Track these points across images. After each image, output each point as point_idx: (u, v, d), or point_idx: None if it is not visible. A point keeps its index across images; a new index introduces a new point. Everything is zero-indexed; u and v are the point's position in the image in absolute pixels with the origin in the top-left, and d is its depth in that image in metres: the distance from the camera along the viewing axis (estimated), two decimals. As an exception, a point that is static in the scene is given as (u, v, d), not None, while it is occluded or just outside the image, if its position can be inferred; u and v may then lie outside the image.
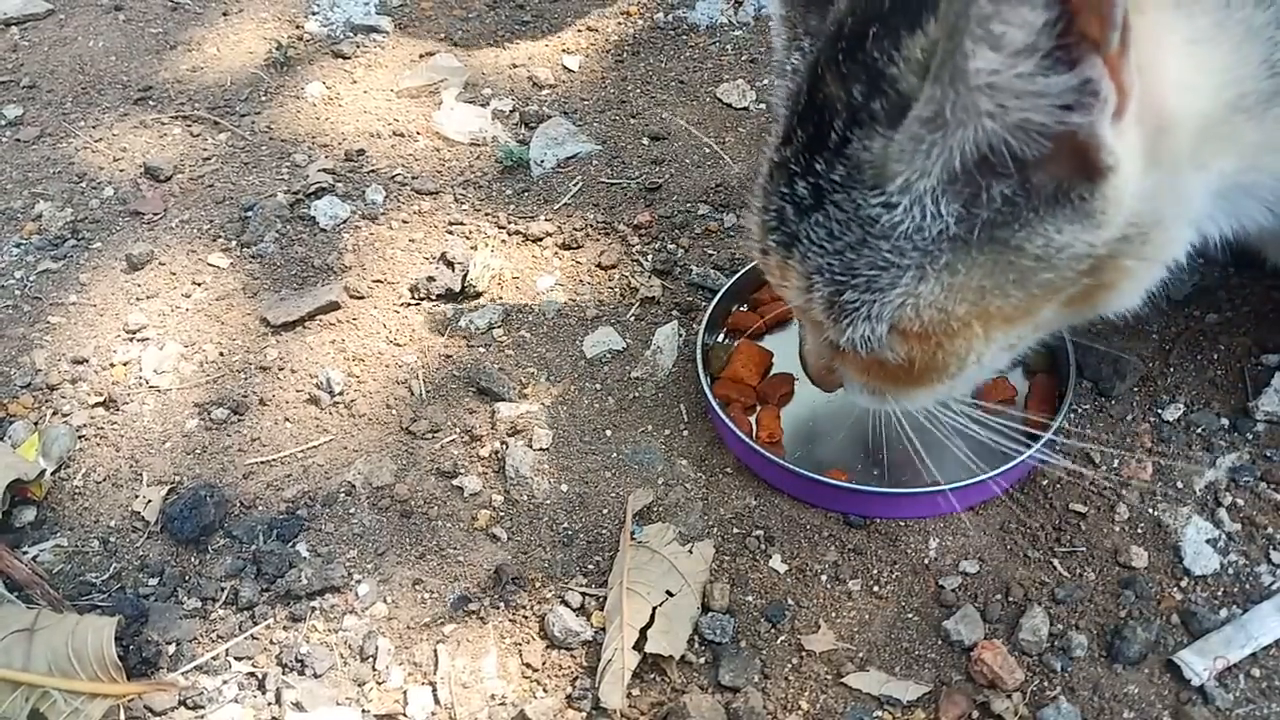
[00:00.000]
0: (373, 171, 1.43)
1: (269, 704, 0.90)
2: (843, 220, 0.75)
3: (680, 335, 1.19)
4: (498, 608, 0.96)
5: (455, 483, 1.06)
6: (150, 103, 1.56)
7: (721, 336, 1.17)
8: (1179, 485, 0.99)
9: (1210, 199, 0.80)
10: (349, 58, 1.64)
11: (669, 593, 0.94)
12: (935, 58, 0.65)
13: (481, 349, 1.20)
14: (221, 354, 1.20)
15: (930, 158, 0.69)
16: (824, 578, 0.96)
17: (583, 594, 0.96)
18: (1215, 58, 0.73)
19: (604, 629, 0.93)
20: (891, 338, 0.79)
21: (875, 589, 0.95)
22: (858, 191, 0.74)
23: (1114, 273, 0.76)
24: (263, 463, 1.09)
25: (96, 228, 1.37)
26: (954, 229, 0.72)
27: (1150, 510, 0.98)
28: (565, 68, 1.62)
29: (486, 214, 1.36)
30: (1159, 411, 1.05)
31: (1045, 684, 0.87)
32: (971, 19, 0.60)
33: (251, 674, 0.92)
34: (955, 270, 0.74)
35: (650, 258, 1.29)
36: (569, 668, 0.91)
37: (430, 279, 1.25)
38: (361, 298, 1.25)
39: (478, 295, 1.25)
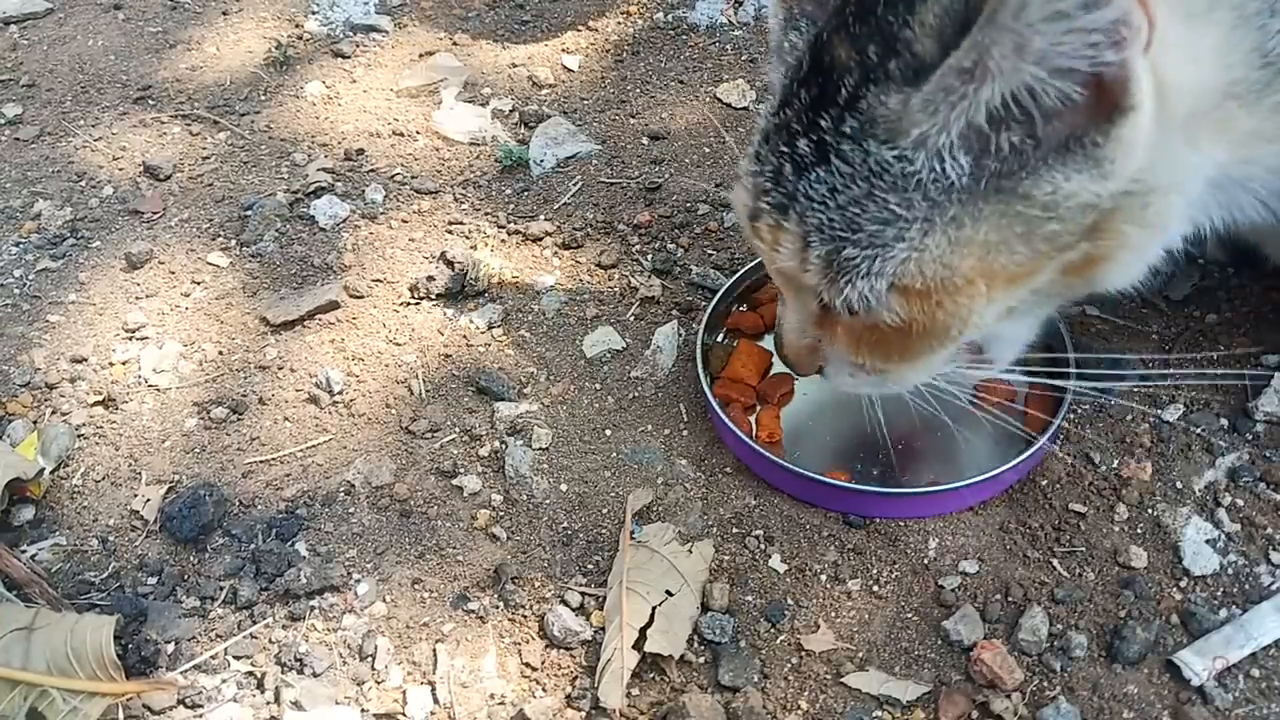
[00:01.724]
0: (372, 171, 1.43)
1: (268, 703, 0.90)
2: (848, 174, 0.75)
3: (680, 335, 1.19)
4: (497, 607, 0.96)
5: (455, 482, 1.06)
6: (150, 102, 1.56)
7: (721, 336, 1.17)
8: (1179, 485, 0.99)
9: (1205, 186, 0.81)
10: (349, 57, 1.64)
11: (668, 592, 0.94)
12: (985, 4, 0.65)
13: (481, 348, 1.19)
14: (221, 353, 1.20)
15: (955, 110, 0.70)
16: (824, 577, 0.96)
17: (582, 593, 0.96)
18: (1210, 38, 0.74)
19: (603, 628, 0.93)
20: (891, 296, 0.78)
21: (875, 589, 0.95)
22: (870, 144, 0.74)
23: (1112, 240, 0.76)
24: (262, 462, 1.09)
25: (96, 227, 1.37)
26: (964, 181, 0.72)
27: (1150, 510, 0.98)
28: (565, 67, 1.62)
29: (486, 213, 1.36)
30: (1158, 411, 1.05)
31: (1045, 684, 0.87)
32: None
33: (250, 673, 0.92)
34: (962, 223, 0.74)
35: (650, 257, 1.29)
36: (568, 667, 0.91)
37: (430, 278, 1.25)
38: (361, 297, 1.25)
39: (477, 295, 1.25)
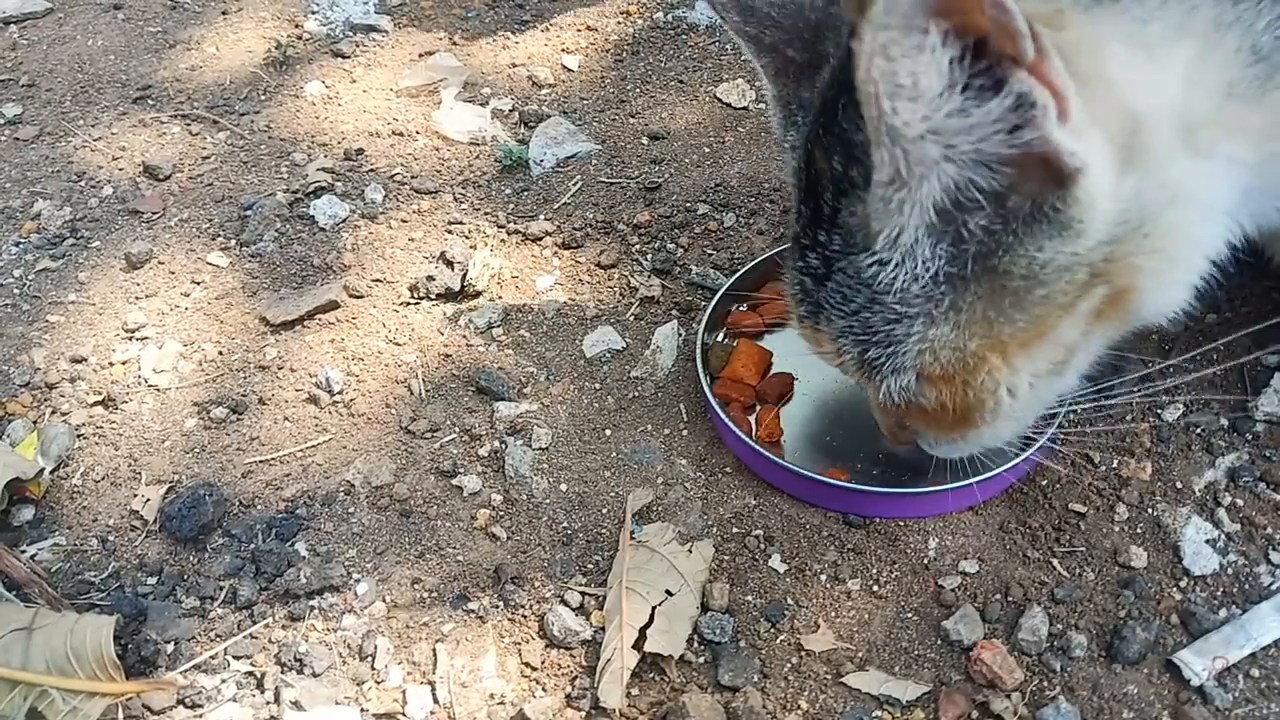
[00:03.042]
0: (372, 171, 1.43)
1: (267, 703, 0.90)
2: (850, 285, 0.79)
3: (680, 335, 1.19)
4: (497, 607, 0.96)
5: (454, 482, 1.06)
6: (149, 102, 1.56)
7: (721, 336, 1.17)
8: (1178, 485, 0.99)
9: (1239, 192, 0.80)
10: (348, 57, 1.64)
11: (668, 592, 0.94)
12: (868, 122, 0.67)
13: (481, 348, 1.19)
14: (220, 353, 1.20)
15: (904, 213, 0.72)
16: (823, 577, 0.96)
17: (582, 593, 0.96)
18: (1179, 55, 0.74)
19: (603, 628, 0.93)
20: (921, 385, 0.82)
21: (875, 589, 0.95)
22: (855, 256, 0.78)
23: (1127, 275, 0.76)
24: (262, 462, 1.09)
25: (95, 226, 1.37)
26: (947, 269, 0.75)
27: (1150, 510, 0.98)
28: (565, 67, 1.62)
29: (486, 213, 1.36)
30: (1158, 411, 1.05)
31: (1044, 684, 0.87)
32: (878, 78, 0.63)
33: (250, 673, 0.92)
34: (958, 308, 0.76)
35: (650, 257, 1.29)
36: (568, 667, 0.91)
37: (430, 278, 1.25)
38: (361, 297, 1.25)
39: (477, 294, 1.25)
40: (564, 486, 1.05)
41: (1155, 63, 0.74)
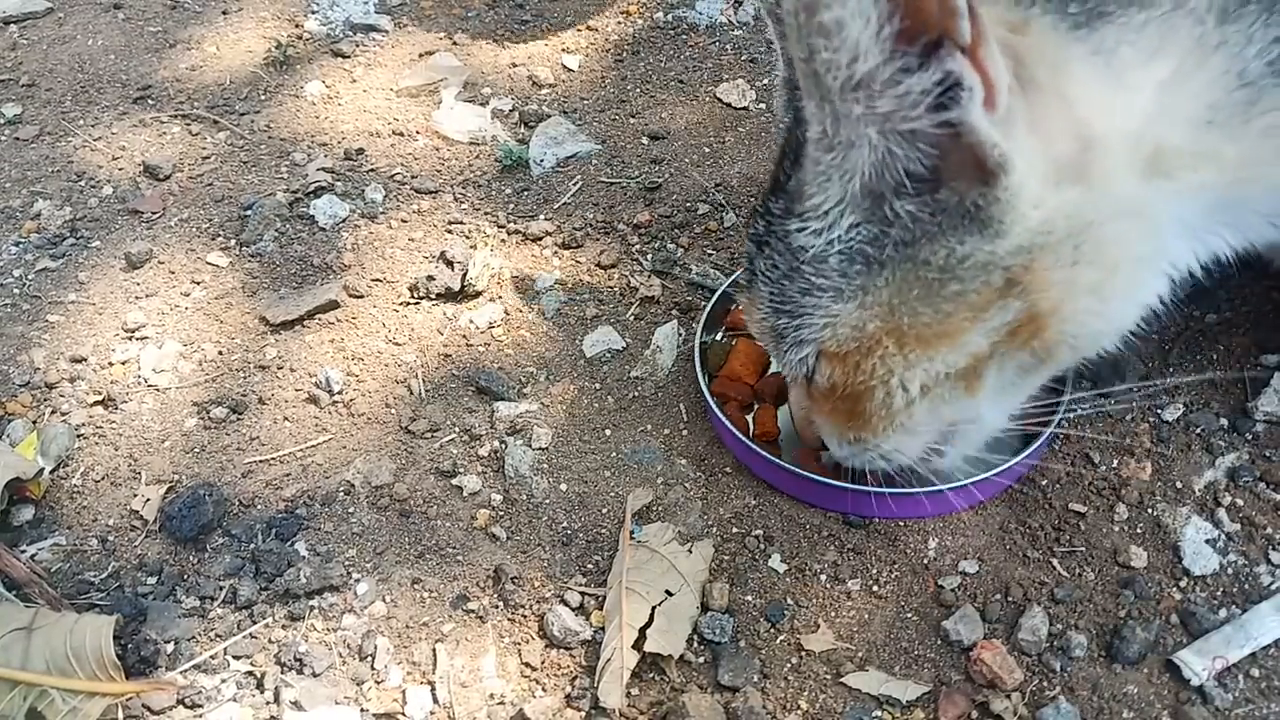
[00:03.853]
0: (372, 170, 1.43)
1: (267, 703, 0.90)
2: (780, 252, 0.82)
3: (680, 334, 1.19)
4: (497, 607, 0.96)
5: (454, 482, 1.06)
6: (149, 101, 1.56)
7: (720, 335, 1.17)
8: (1178, 485, 0.99)
9: (1203, 212, 0.81)
10: (348, 57, 1.64)
11: (668, 592, 0.94)
12: (797, 67, 0.70)
13: (481, 348, 1.19)
14: (220, 353, 1.20)
15: (833, 182, 0.75)
16: (823, 577, 0.96)
17: (582, 593, 0.96)
18: (1150, 76, 0.75)
19: (603, 628, 0.93)
20: (820, 361, 0.84)
21: (875, 589, 0.95)
22: (788, 222, 0.80)
23: (1050, 293, 0.76)
24: (261, 461, 1.09)
25: (95, 226, 1.36)
26: (866, 249, 0.77)
27: (1149, 510, 0.98)
28: (565, 67, 1.62)
29: (486, 213, 1.36)
30: (1158, 411, 1.05)
31: (1044, 684, 0.87)
32: (800, 8, 0.64)
33: (250, 673, 0.92)
34: (867, 289, 0.78)
35: (650, 257, 1.29)
36: (568, 667, 0.91)
37: (430, 278, 1.25)
38: (361, 297, 1.25)
39: (477, 294, 1.25)
40: (564, 486, 1.05)
41: (1122, 85, 0.75)
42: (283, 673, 0.92)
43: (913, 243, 0.75)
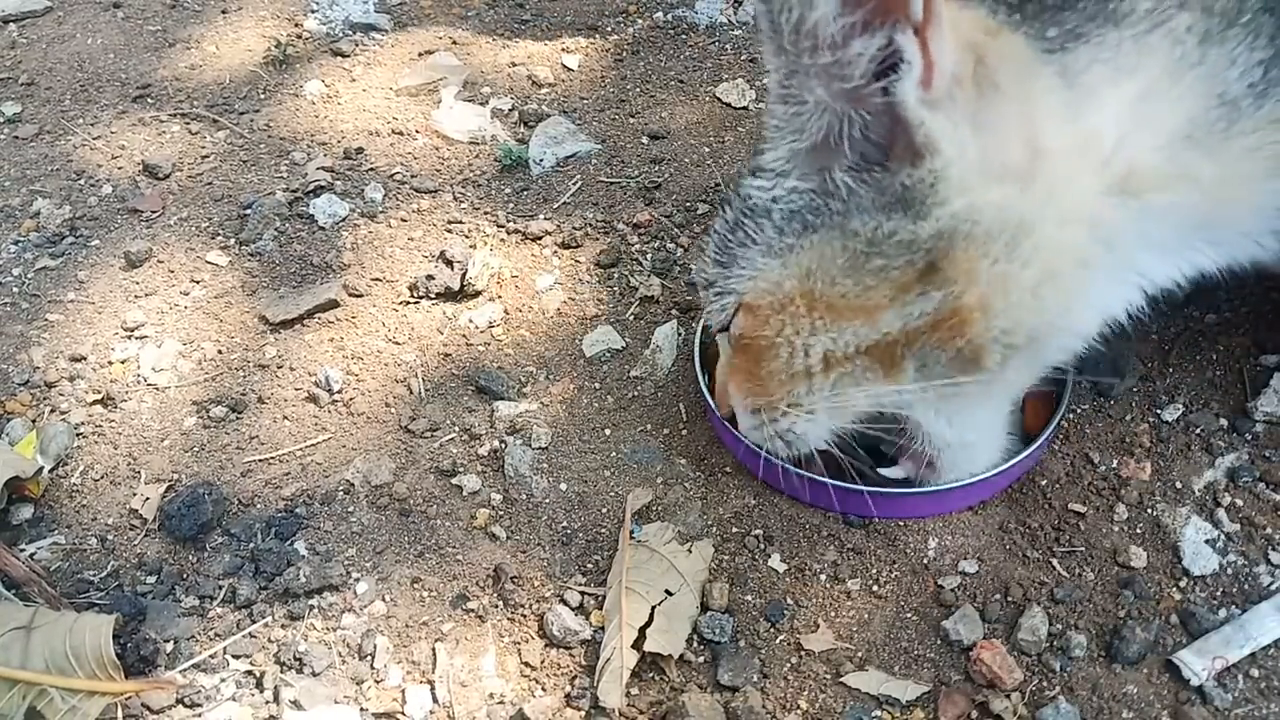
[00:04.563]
0: (372, 170, 1.43)
1: (267, 702, 0.90)
2: (734, 206, 0.87)
3: (679, 334, 1.19)
4: (496, 606, 0.96)
5: (454, 481, 1.06)
6: (149, 100, 1.56)
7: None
8: (1178, 485, 0.99)
9: (1178, 231, 0.82)
10: (348, 56, 1.64)
11: (668, 592, 0.94)
12: (761, 20, 0.73)
13: (480, 347, 1.19)
14: (220, 352, 1.20)
15: (785, 136, 0.78)
16: (823, 577, 0.96)
17: (582, 593, 0.96)
18: (1120, 94, 0.76)
19: (603, 628, 0.93)
20: (740, 314, 0.86)
21: (874, 589, 0.95)
22: (748, 178, 0.84)
23: (968, 281, 0.76)
24: (261, 461, 1.09)
25: (95, 225, 1.36)
26: (804, 213, 0.80)
27: (1149, 510, 0.98)
28: (565, 67, 1.62)
29: (486, 213, 1.36)
30: (1158, 411, 1.05)
31: (1044, 684, 0.87)
32: None
33: (249, 672, 0.92)
34: (793, 249, 0.81)
35: (649, 257, 1.29)
36: (568, 666, 0.91)
37: (429, 277, 1.25)
38: (360, 296, 1.25)
39: (477, 294, 1.25)
40: (564, 486, 1.05)
41: (1089, 104, 0.76)
42: (282, 672, 0.91)
43: (846, 213, 0.78)
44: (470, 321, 1.22)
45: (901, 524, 0.99)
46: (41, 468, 1.06)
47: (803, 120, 0.76)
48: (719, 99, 1.54)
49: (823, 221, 0.79)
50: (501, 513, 1.03)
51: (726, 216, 0.87)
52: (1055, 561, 0.95)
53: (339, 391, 1.15)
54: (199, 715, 0.89)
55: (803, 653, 0.91)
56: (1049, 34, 0.76)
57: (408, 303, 1.25)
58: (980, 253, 0.76)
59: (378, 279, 1.27)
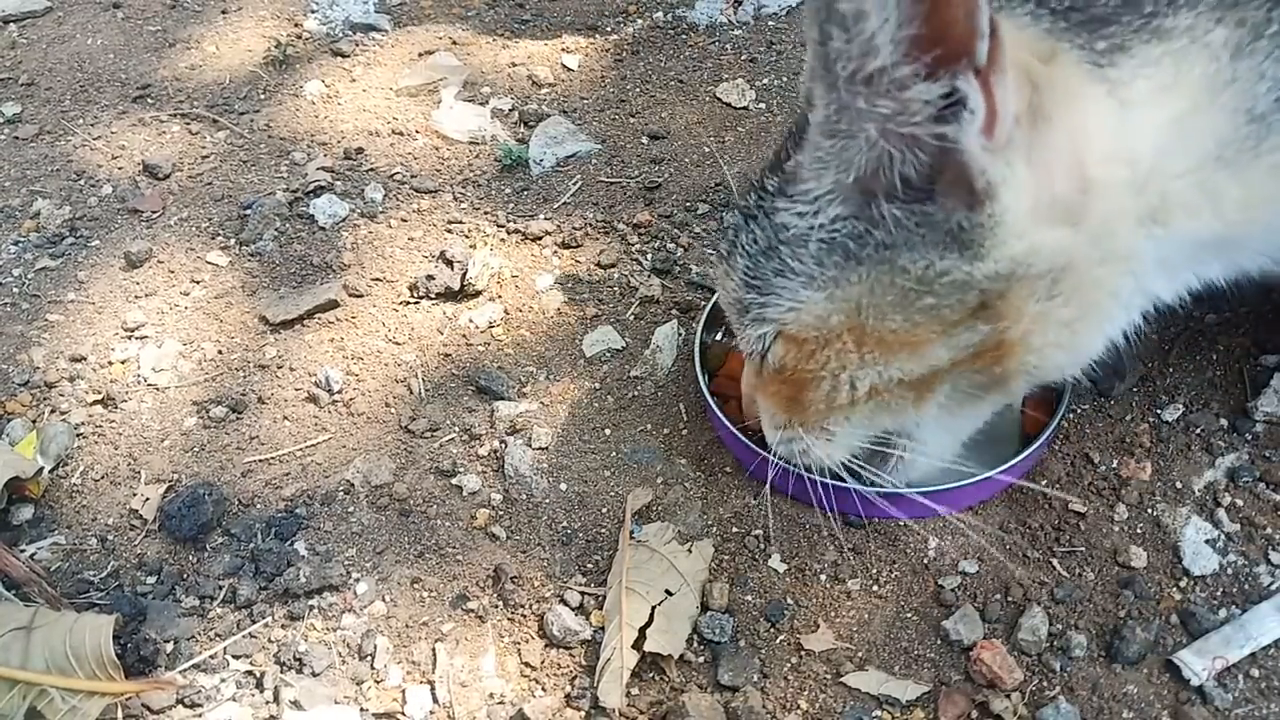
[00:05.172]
0: (372, 170, 1.43)
1: (267, 702, 0.90)
2: (763, 228, 0.82)
3: (680, 334, 1.19)
4: (496, 606, 0.96)
5: (454, 481, 1.06)
6: (149, 100, 1.56)
7: (720, 334, 1.17)
8: (1178, 485, 0.99)
9: (1192, 251, 0.81)
10: (348, 56, 1.64)
11: (668, 592, 0.94)
12: (810, 47, 0.70)
13: (481, 347, 1.19)
14: (220, 352, 1.20)
15: (828, 168, 0.74)
16: (823, 577, 0.96)
17: (582, 593, 0.96)
18: (1159, 115, 0.74)
19: (603, 628, 0.93)
20: (778, 342, 0.84)
21: (874, 589, 0.95)
22: (778, 200, 0.80)
23: (1015, 318, 0.76)
24: (261, 461, 1.09)
25: (95, 225, 1.36)
26: (848, 243, 0.76)
27: (1150, 510, 0.98)
28: (565, 67, 1.62)
29: (486, 213, 1.36)
30: (1158, 411, 1.05)
31: (1044, 684, 0.87)
32: (824, 7, 0.64)
33: (250, 672, 0.92)
34: (839, 283, 0.78)
35: (649, 257, 1.29)
36: (568, 666, 0.91)
37: (429, 277, 1.25)
38: (360, 296, 1.25)
39: (477, 294, 1.25)
40: (564, 486, 1.05)
41: (1131, 125, 0.74)
42: (282, 672, 0.91)
43: (894, 247, 0.75)
44: (470, 321, 1.22)
45: (901, 524, 0.99)
46: (41, 468, 1.06)
47: (850, 155, 0.72)
48: (719, 99, 1.54)
49: (868, 254, 0.76)
50: (501, 513, 1.03)
51: (755, 236, 0.82)
52: (1055, 561, 0.95)
53: (339, 391, 1.15)
54: (199, 715, 0.89)
55: (803, 653, 0.91)
56: (1098, 45, 0.74)
57: (408, 303, 1.25)
58: (1028, 292, 0.75)
59: (378, 279, 1.27)
